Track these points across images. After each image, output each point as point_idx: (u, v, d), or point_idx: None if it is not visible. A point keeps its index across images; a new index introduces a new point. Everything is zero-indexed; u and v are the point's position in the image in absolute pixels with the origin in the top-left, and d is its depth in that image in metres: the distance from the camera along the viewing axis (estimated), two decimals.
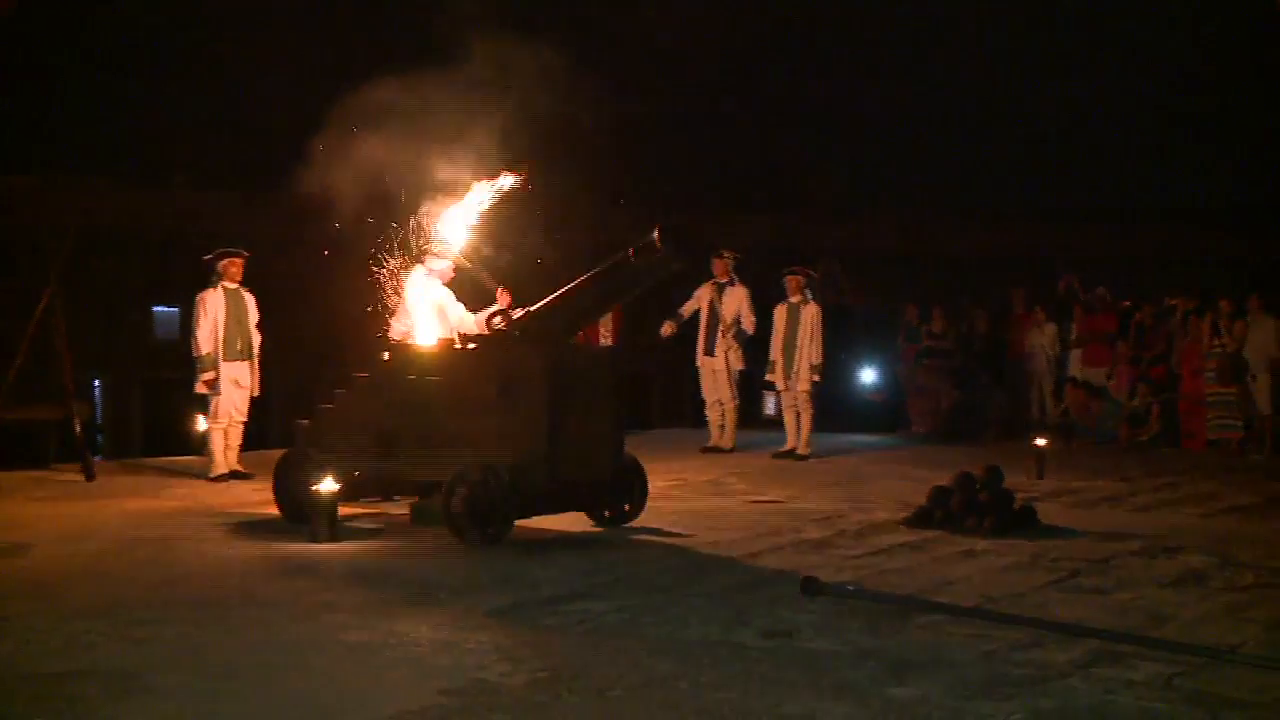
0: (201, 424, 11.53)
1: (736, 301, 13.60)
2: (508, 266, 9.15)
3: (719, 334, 13.59)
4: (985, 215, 26.99)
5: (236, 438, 11.32)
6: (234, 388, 11.18)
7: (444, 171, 8.64)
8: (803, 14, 25.47)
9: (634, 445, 8.82)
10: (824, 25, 26.39)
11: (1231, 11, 24.33)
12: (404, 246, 9.08)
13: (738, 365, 13.72)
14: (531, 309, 8.41)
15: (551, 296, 8.57)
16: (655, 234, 8.09)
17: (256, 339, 11.35)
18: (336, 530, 7.96)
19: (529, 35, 8.91)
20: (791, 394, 13.25)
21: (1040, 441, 11.75)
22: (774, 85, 25.42)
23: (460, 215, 8.97)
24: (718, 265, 13.61)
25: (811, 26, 26.23)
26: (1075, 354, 16.10)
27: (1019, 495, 9.09)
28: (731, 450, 13.56)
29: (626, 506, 8.70)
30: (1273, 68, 24.47)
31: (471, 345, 8.38)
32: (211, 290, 11.18)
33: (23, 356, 11.59)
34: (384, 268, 9.36)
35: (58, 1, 22.18)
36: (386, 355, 8.79)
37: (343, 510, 8.19)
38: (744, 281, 13.76)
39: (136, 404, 21.93)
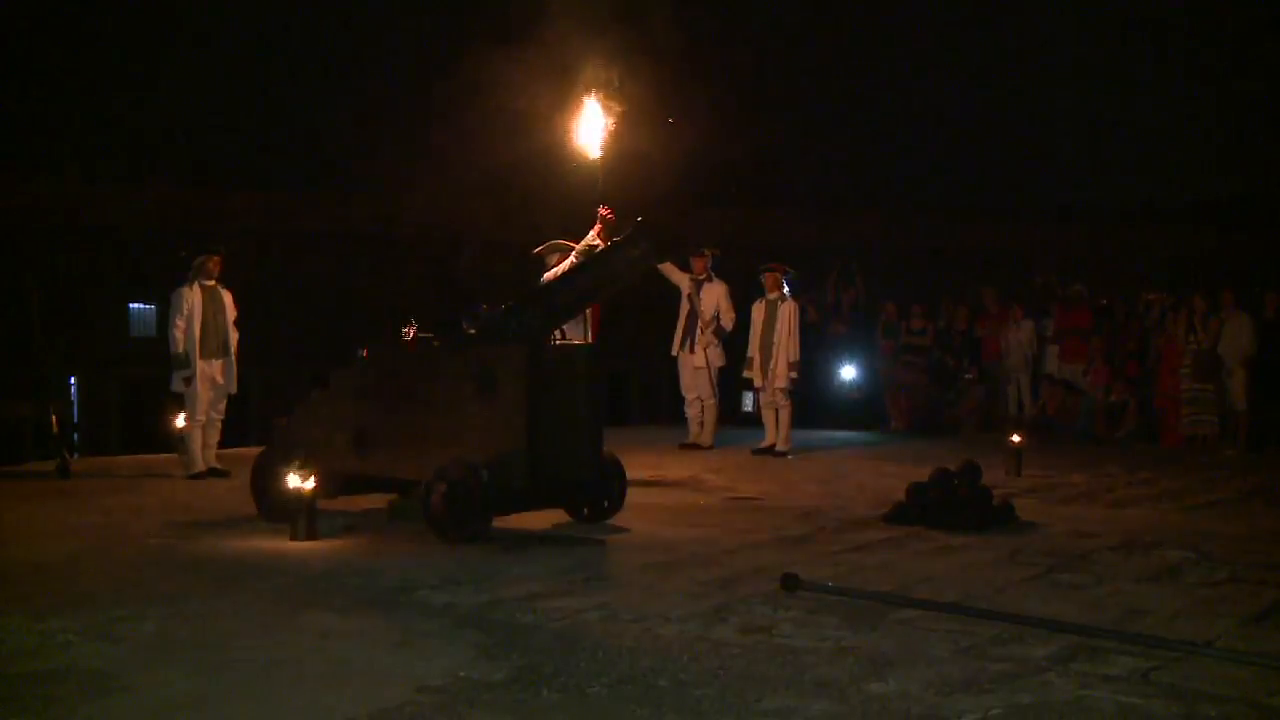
0: (179, 422, 11.47)
1: (715, 298, 13.61)
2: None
3: (698, 330, 13.60)
4: (964, 212, 27.09)
5: (214, 435, 11.27)
6: (211, 385, 11.13)
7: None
8: (786, 9, 25.54)
9: (613, 442, 8.81)
10: (807, 21, 26.46)
11: (1202, 16, 24.56)
12: None
13: (718, 362, 13.73)
14: (510, 305, 8.40)
15: (529, 294, 8.57)
16: (633, 230, 8.09)
17: (234, 336, 11.29)
18: (315, 528, 7.94)
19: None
20: (769, 391, 13.27)
21: (1017, 438, 11.80)
22: (756, 80, 25.50)
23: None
24: (696, 262, 13.62)
25: (794, 22, 26.30)
26: (1052, 350, 16.18)
27: (997, 491, 9.14)
28: (710, 447, 13.57)
29: (605, 504, 8.70)
30: (1242, 67, 24.68)
31: (449, 342, 8.36)
32: (188, 287, 11.11)
33: None
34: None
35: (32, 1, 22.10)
36: (365, 352, 8.77)
37: (321, 507, 8.16)
38: (722, 277, 13.78)
39: (113, 401, 21.83)
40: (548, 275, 10.24)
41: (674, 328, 13.85)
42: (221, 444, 11.43)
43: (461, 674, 4.97)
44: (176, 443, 11.42)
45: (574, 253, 9.96)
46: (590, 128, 9.01)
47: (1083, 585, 6.69)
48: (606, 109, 8.93)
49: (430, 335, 8.46)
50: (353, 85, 25.15)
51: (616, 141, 9.01)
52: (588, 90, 8.88)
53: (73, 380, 20.94)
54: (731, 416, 15.50)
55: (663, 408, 19.35)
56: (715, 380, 13.72)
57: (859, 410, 16.68)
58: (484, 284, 9.69)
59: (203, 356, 11.05)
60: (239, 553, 7.58)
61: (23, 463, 12.10)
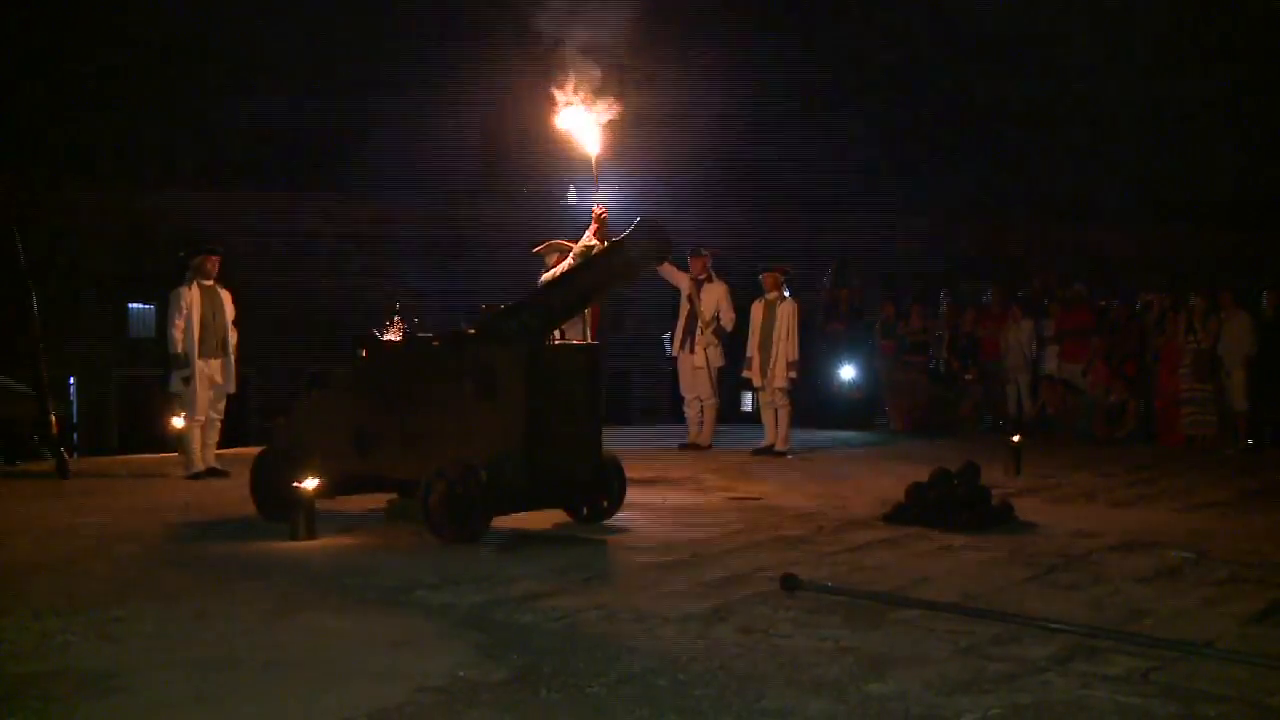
0: (178, 421, 11.47)
1: (715, 298, 13.61)
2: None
3: (698, 330, 13.60)
4: (964, 212, 27.10)
5: (213, 435, 11.27)
6: (210, 385, 11.13)
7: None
8: (789, 10, 25.54)
9: (613, 442, 8.81)
10: (809, 23, 26.45)
11: (1197, 14, 24.56)
12: None
13: (717, 362, 13.72)
14: (509, 306, 8.40)
15: (529, 294, 8.58)
16: (630, 231, 8.09)
17: (233, 336, 11.29)
18: (314, 528, 7.93)
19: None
20: (769, 391, 13.27)
21: (1017, 437, 11.79)
22: (759, 82, 25.53)
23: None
24: (696, 262, 13.63)
25: (796, 24, 26.29)
26: (1052, 350, 16.18)
27: (996, 491, 9.13)
28: (710, 447, 13.57)
29: (605, 503, 8.70)
30: (1236, 64, 24.66)
31: (449, 342, 8.36)
32: (186, 287, 11.11)
33: None
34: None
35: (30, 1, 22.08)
36: (364, 352, 8.77)
37: (321, 508, 8.16)
38: (722, 278, 13.79)
39: (111, 401, 21.84)
40: (547, 275, 10.25)
41: (674, 328, 13.86)
42: (221, 444, 11.43)
43: (461, 674, 4.97)
44: (178, 442, 11.43)
45: (572, 253, 9.97)
46: (586, 129, 9.02)
47: (1082, 585, 6.68)
48: (601, 108, 8.95)
49: (430, 335, 8.46)
50: (351, 85, 25.16)
51: (613, 142, 9.02)
52: (581, 91, 8.89)
53: (71, 380, 20.94)
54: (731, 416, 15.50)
55: (663, 408, 19.36)
56: (715, 380, 13.72)
57: (859, 410, 16.67)
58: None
59: (201, 356, 11.05)
60: (239, 553, 7.57)
61: (22, 462, 12.09)
